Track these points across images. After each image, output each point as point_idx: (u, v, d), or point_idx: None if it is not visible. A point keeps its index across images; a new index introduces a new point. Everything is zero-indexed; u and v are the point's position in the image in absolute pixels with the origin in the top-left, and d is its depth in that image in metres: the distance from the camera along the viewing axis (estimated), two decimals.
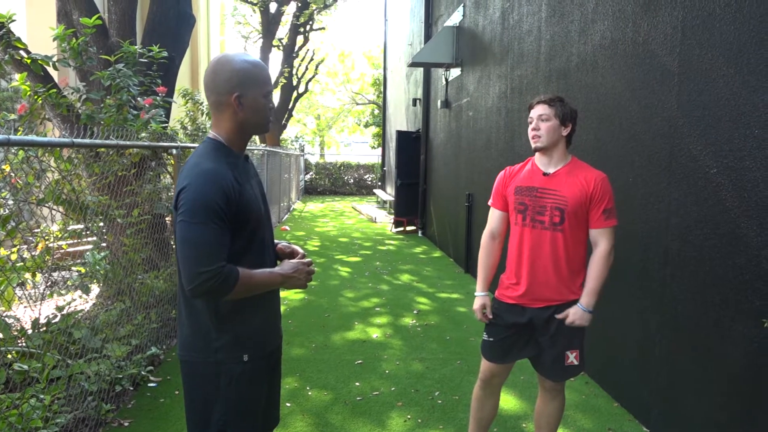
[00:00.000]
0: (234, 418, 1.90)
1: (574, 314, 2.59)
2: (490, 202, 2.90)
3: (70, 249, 4.44)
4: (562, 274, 2.64)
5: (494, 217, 2.87)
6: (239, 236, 1.83)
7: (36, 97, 4.52)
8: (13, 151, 3.54)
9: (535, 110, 2.67)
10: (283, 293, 6.77)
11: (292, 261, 1.98)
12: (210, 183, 1.74)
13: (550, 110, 2.64)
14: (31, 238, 3.93)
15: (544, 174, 2.68)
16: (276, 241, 2.12)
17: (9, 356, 3.39)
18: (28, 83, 4.52)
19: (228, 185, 1.76)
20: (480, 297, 2.80)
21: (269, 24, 18.85)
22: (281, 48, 20.68)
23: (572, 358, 2.69)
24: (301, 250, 2.11)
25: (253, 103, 1.85)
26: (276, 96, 21.24)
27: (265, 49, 18.92)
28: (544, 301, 2.67)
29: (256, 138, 18.20)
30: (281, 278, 1.91)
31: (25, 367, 3.18)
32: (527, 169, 2.77)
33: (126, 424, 3.47)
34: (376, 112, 29.22)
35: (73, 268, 4.27)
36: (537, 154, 2.73)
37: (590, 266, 2.63)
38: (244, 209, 1.82)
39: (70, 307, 3.80)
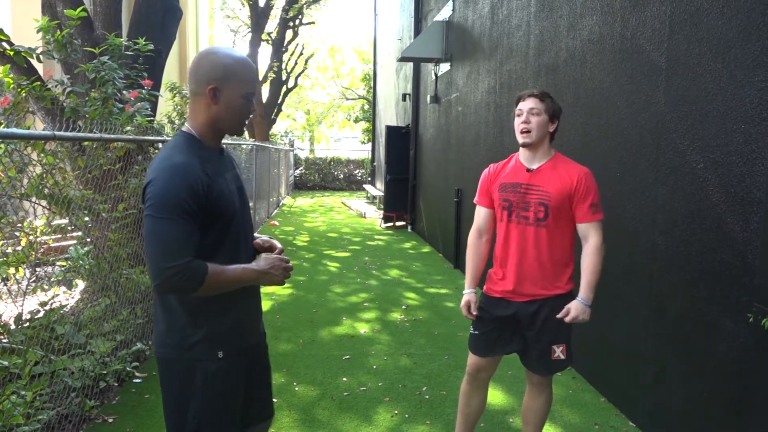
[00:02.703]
0: (210, 415, 1.88)
1: (576, 309, 2.56)
2: (475, 200, 2.89)
3: (55, 244, 4.39)
4: (547, 269, 2.64)
5: (480, 214, 2.86)
6: (211, 231, 1.79)
7: (20, 89, 4.45)
8: None
9: (525, 103, 2.65)
10: (271, 289, 6.73)
11: (269, 256, 1.93)
12: (176, 177, 1.71)
13: (541, 105, 2.62)
14: (16, 234, 3.88)
15: (528, 170, 2.68)
16: (255, 235, 2.09)
17: None
18: (11, 76, 4.44)
19: (195, 179, 1.73)
20: (467, 294, 2.80)
21: (258, 18, 18.72)
22: (270, 42, 20.56)
23: (559, 352, 2.69)
24: (279, 245, 2.06)
25: (229, 100, 1.82)
26: (265, 91, 21.14)
27: (254, 44, 18.80)
28: (530, 295, 2.66)
29: (246, 132, 18.12)
30: (256, 274, 1.86)
31: (5, 363, 3.13)
32: (511, 165, 2.77)
33: (110, 420, 3.44)
34: (366, 107, 29.16)
35: (57, 263, 4.21)
36: (521, 149, 2.72)
37: (584, 260, 2.62)
38: (215, 203, 1.78)
39: (53, 303, 3.75)
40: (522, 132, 2.65)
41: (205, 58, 1.82)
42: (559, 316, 2.60)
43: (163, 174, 1.72)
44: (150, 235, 1.69)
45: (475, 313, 2.77)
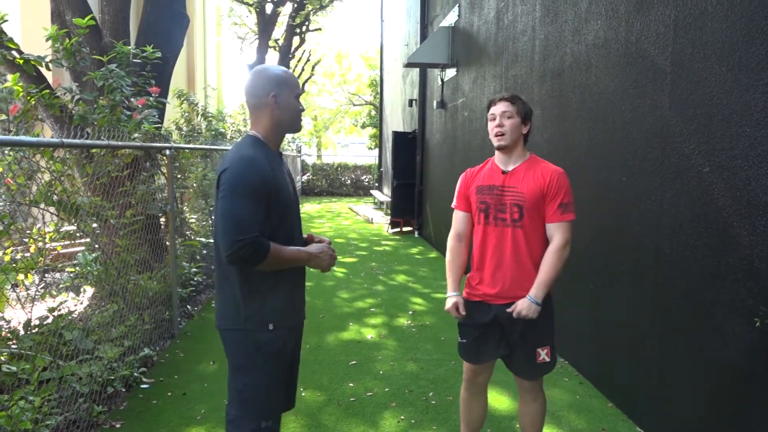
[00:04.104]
0: (260, 385, 2.15)
1: (522, 305, 2.57)
2: (453, 205, 2.89)
3: (64, 250, 4.42)
4: (526, 269, 2.63)
5: (458, 218, 2.87)
6: (272, 215, 2.08)
7: (29, 97, 4.50)
8: (6, 151, 3.52)
9: (497, 107, 2.68)
10: None
11: (320, 244, 2.28)
12: (248, 165, 2.03)
13: (512, 108, 2.65)
14: (25, 240, 3.91)
15: (503, 172, 2.69)
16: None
17: (2, 358, 3.37)
18: (21, 84, 4.49)
19: (263, 168, 2.05)
20: (452, 297, 2.79)
21: (265, 25, 18.82)
22: (277, 49, 20.67)
23: (543, 355, 2.69)
24: (327, 239, 2.39)
25: (287, 102, 2.19)
26: None
27: (261, 50, 18.89)
28: (509, 297, 2.66)
29: None
30: (308, 256, 2.21)
31: (14, 368, 3.16)
32: (487, 168, 2.79)
33: (118, 426, 3.45)
34: (373, 113, 29.21)
35: (65, 269, 4.24)
36: (497, 153, 2.74)
37: (544, 259, 2.62)
38: (277, 191, 2.10)
39: (61, 309, 3.78)
40: (496, 135, 2.67)
41: (259, 75, 2.18)
42: (508, 310, 2.60)
43: (237, 163, 2.04)
44: (225, 212, 1.98)
45: (463, 312, 2.76)
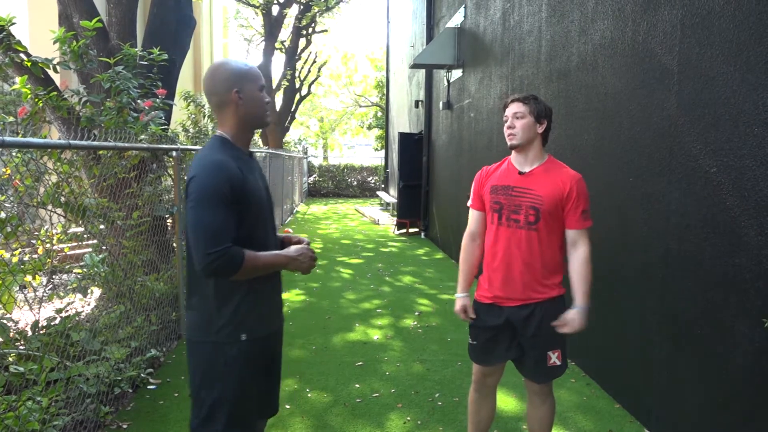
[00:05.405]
0: (229, 399, 2.01)
1: (573, 318, 2.55)
2: (469, 204, 2.88)
3: (71, 252, 4.44)
4: (537, 273, 2.61)
5: (474, 217, 2.85)
6: (244, 220, 1.97)
7: (37, 99, 4.53)
8: (14, 153, 3.53)
9: (509, 108, 2.67)
10: (284, 295, 6.75)
11: (298, 245, 2.16)
12: (216, 172, 1.91)
13: (524, 108, 2.63)
14: (33, 241, 3.94)
15: (520, 173, 2.67)
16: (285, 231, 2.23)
17: (10, 359, 3.39)
18: (28, 86, 4.52)
19: (232, 174, 1.93)
20: (460, 298, 2.79)
21: (271, 27, 18.87)
22: (284, 51, 20.71)
23: (554, 358, 2.67)
24: (306, 239, 2.27)
25: (251, 97, 2.04)
26: (279, 99, 21.28)
27: (268, 52, 18.93)
28: (520, 299, 2.64)
29: (259, 140, 18.21)
30: (286, 259, 2.08)
31: (21, 369, 3.17)
32: (503, 168, 2.76)
33: (125, 426, 3.46)
34: (379, 114, 29.23)
35: (73, 270, 4.26)
36: (513, 153, 2.72)
37: (578, 268, 2.59)
38: (248, 195, 1.98)
39: (69, 310, 3.79)
40: (508, 136, 2.67)
41: (218, 72, 2.03)
42: (557, 325, 2.58)
43: (204, 170, 1.92)
44: (195, 223, 1.88)
45: (473, 316, 2.76)
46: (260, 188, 2.09)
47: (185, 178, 6.22)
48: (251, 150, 2.17)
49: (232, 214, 1.91)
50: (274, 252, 2.07)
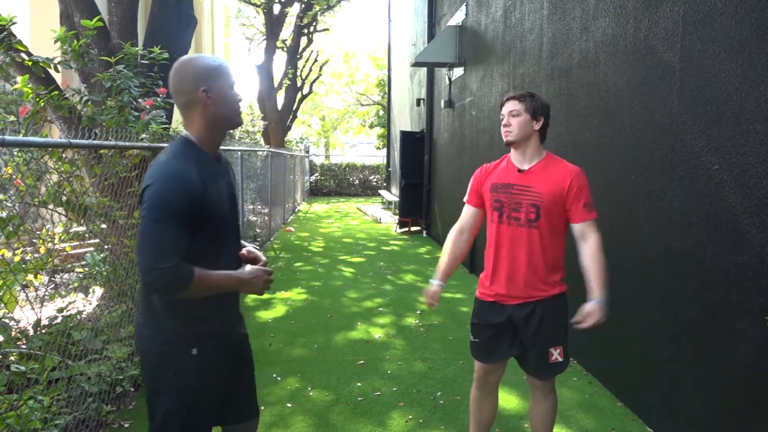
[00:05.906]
0: (179, 410, 1.92)
1: (592, 311, 2.46)
2: (465, 199, 2.87)
3: (73, 251, 4.44)
4: (539, 270, 2.61)
5: (467, 212, 2.85)
6: (199, 236, 1.84)
7: (38, 99, 4.53)
8: (15, 152, 3.54)
9: (506, 107, 2.67)
10: (286, 294, 6.76)
11: (252, 266, 1.99)
12: (173, 183, 1.77)
13: (520, 105, 2.63)
14: (34, 240, 3.94)
15: (519, 171, 2.67)
16: (244, 243, 2.13)
17: (12, 358, 3.39)
18: (30, 85, 4.52)
19: (191, 186, 1.79)
20: (435, 285, 2.78)
21: (273, 25, 18.87)
22: (285, 49, 20.72)
23: (556, 355, 2.66)
24: (263, 258, 2.10)
25: (221, 95, 1.88)
26: (280, 97, 21.27)
27: (269, 51, 18.95)
28: (522, 297, 2.64)
29: (261, 139, 18.21)
30: (238, 281, 1.93)
31: (23, 368, 3.17)
32: (503, 166, 2.76)
33: (126, 425, 3.47)
34: (381, 112, 29.22)
35: (74, 269, 4.26)
36: (512, 150, 2.72)
37: (591, 258, 2.55)
38: (207, 211, 1.84)
39: (70, 309, 3.79)
40: (504, 133, 2.67)
41: (184, 69, 1.87)
42: (576, 319, 2.54)
43: (161, 179, 1.77)
44: (143, 235, 1.75)
45: (435, 304, 2.76)
46: (222, 200, 1.94)
47: None
48: (219, 152, 2.02)
49: (186, 229, 1.78)
50: (227, 272, 1.91)
